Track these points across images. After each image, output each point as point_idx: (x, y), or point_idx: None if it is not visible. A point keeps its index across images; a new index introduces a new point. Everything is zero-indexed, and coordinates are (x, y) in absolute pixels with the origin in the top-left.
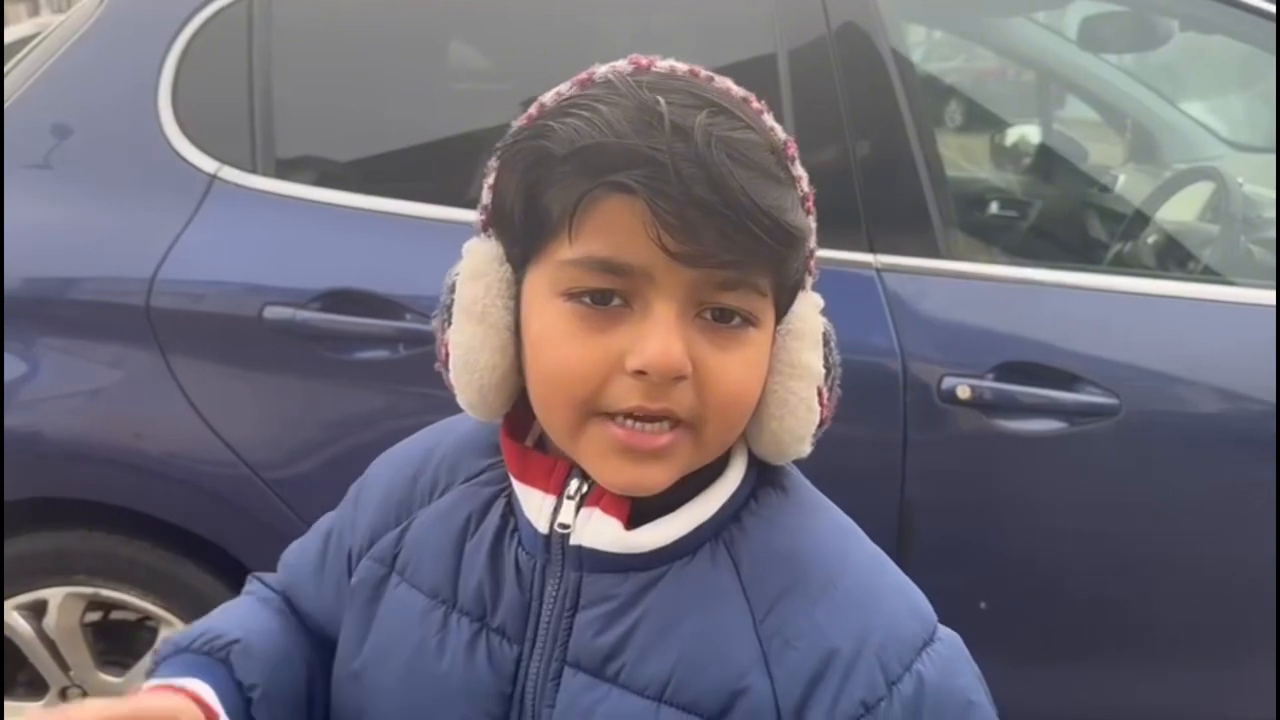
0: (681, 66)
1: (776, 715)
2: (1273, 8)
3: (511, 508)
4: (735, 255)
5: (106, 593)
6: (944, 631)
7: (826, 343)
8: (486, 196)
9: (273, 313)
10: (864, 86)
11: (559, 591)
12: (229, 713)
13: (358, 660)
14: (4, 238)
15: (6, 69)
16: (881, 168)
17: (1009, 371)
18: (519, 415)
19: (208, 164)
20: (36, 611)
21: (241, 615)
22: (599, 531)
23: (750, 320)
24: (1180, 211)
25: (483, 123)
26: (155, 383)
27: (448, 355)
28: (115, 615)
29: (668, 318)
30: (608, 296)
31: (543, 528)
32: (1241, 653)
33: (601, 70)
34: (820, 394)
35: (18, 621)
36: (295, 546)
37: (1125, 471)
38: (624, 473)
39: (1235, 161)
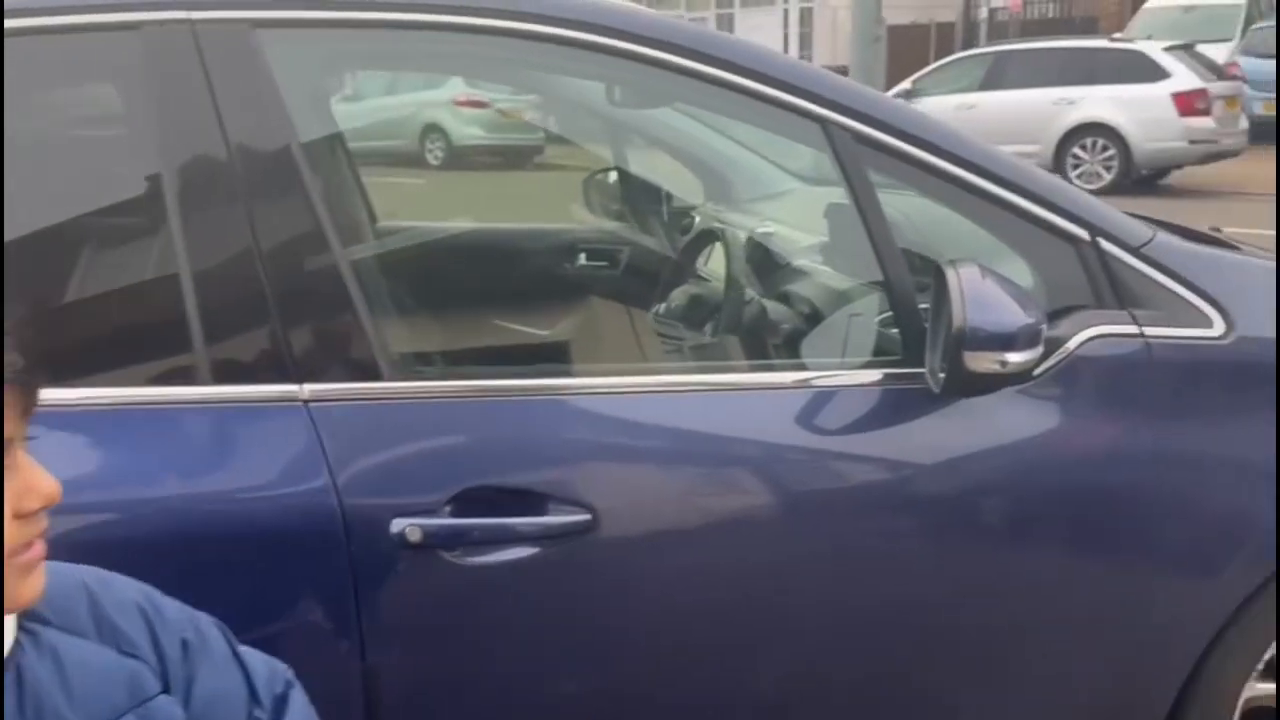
0: None
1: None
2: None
3: None
4: None
5: None
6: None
7: None
8: None
9: None
10: (275, 207)
11: None
12: None
13: None
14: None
15: None
16: (303, 291)
17: (466, 502)
18: None
19: None
20: None
21: None
22: None
23: None
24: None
25: None
26: None
27: None
28: None
29: None
30: None
31: None
32: None
33: None
34: None
35: None
36: None
37: (607, 586)
38: None
39: (806, 195)
